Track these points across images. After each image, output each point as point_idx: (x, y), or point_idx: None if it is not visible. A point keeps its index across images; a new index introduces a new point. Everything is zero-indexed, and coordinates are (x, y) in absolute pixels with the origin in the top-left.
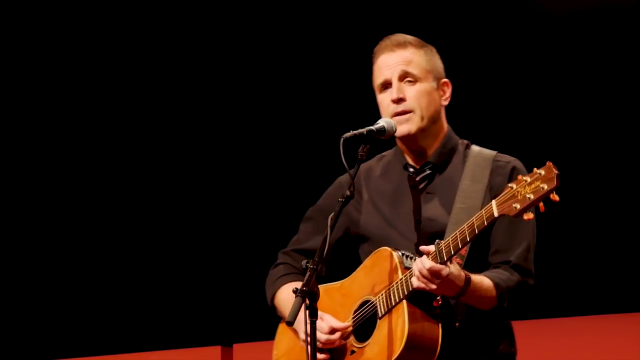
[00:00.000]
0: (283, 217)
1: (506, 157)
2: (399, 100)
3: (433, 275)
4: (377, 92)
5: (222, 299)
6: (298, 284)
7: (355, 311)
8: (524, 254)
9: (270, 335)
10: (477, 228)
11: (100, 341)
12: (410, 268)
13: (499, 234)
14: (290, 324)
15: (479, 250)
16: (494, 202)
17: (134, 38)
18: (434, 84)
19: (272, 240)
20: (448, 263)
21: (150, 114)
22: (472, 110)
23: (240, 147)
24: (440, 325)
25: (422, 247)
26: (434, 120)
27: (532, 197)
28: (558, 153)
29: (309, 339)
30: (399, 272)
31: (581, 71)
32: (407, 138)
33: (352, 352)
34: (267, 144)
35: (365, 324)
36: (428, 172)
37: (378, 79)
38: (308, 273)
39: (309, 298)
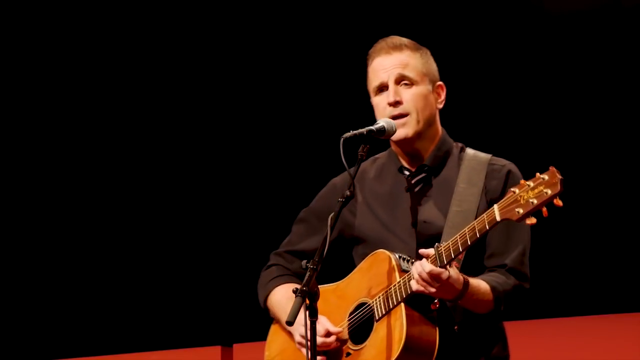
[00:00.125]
0: (283, 217)
1: (501, 161)
2: (395, 103)
3: (433, 278)
4: (372, 94)
5: (222, 299)
6: (292, 285)
7: (351, 313)
8: (519, 257)
9: None
10: (479, 232)
11: (100, 341)
12: (408, 271)
13: (495, 237)
14: (290, 324)
15: (474, 254)
16: (495, 206)
17: (134, 38)
18: (429, 87)
19: (273, 240)
20: (447, 266)
21: (148, 115)
22: (468, 112)
23: (240, 148)
24: (437, 328)
25: (422, 250)
26: (429, 123)
27: (535, 201)
28: (558, 153)
29: (309, 338)
30: (397, 274)
31: (580, 72)
32: (404, 141)
33: (348, 354)
34: (265, 144)
35: (361, 327)
36: (424, 175)
37: (374, 81)
38: (308, 273)
39: (309, 298)
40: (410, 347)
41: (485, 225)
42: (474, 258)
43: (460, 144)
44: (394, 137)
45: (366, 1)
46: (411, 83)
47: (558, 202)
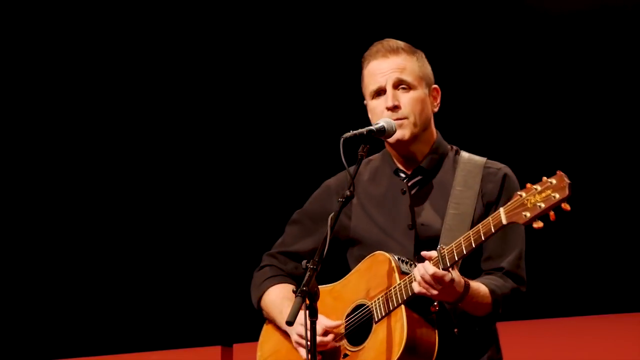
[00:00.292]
0: (283, 217)
1: (497, 164)
2: (394, 108)
3: (436, 281)
4: (368, 98)
5: (222, 299)
6: (286, 285)
7: (349, 315)
8: (516, 261)
9: None
10: (484, 235)
11: (100, 341)
12: (408, 273)
13: (491, 240)
14: (290, 324)
15: (470, 256)
16: (502, 209)
17: (134, 38)
18: (426, 91)
19: (272, 240)
20: (450, 269)
21: (147, 115)
22: (465, 115)
23: (241, 147)
24: (436, 330)
25: (424, 253)
26: (425, 126)
27: (543, 205)
28: (558, 153)
29: (309, 338)
30: (397, 276)
31: (580, 72)
32: (400, 144)
33: (345, 355)
34: (268, 142)
35: (358, 328)
36: (420, 177)
37: (371, 85)
38: (308, 273)
39: (309, 298)
40: (410, 349)
41: (491, 228)
42: (470, 260)
43: (455, 147)
44: (391, 139)
45: (363, 1)
46: (409, 87)
47: (566, 206)
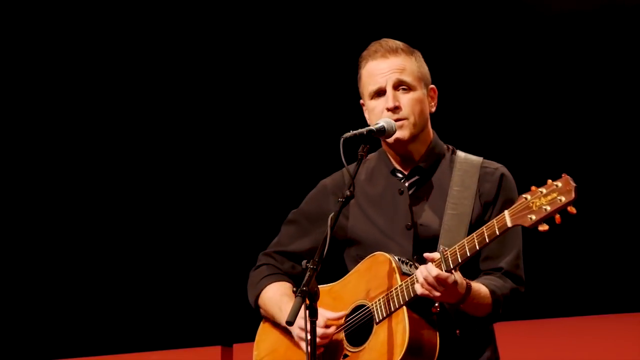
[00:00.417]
0: (282, 217)
1: (493, 164)
2: (395, 109)
3: (439, 283)
4: (367, 98)
5: (222, 299)
6: (284, 284)
7: (348, 315)
8: (514, 261)
9: None
10: (488, 237)
11: (100, 341)
12: (409, 274)
13: None
14: (290, 323)
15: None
16: (506, 212)
17: (134, 38)
18: (424, 91)
19: (272, 240)
20: (452, 271)
21: (146, 116)
22: (465, 115)
23: (240, 148)
24: (437, 332)
25: (427, 255)
26: (424, 127)
27: (548, 208)
28: (558, 154)
29: (309, 338)
30: (398, 277)
31: (579, 72)
32: (399, 144)
33: (345, 355)
34: (266, 143)
35: (358, 329)
36: (417, 177)
37: (370, 85)
38: (308, 273)
39: (309, 298)
40: (412, 351)
41: (495, 230)
42: (468, 260)
43: (450, 147)
44: (390, 139)
45: (363, 1)
46: (409, 88)
47: (572, 209)
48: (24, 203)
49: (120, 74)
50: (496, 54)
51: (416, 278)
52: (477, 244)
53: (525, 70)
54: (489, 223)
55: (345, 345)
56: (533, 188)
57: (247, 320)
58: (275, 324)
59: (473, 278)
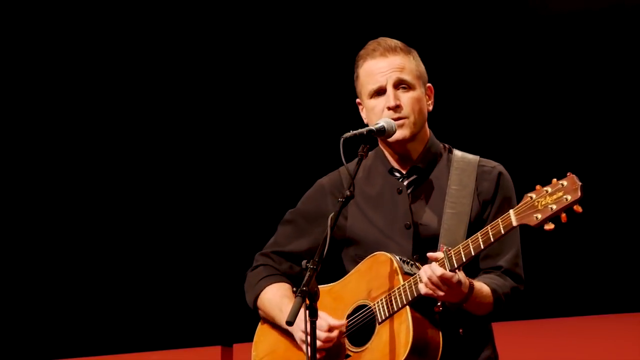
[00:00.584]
0: (281, 217)
1: (490, 162)
2: (396, 108)
3: (443, 282)
4: (365, 97)
5: (222, 299)
6: (283, 285)
7: (350, 315)
8: (514, 259)
9: None
10: (493, 236)
11: (100, 341)
12: (411, 274)
13: None
14: (290, 324)
15: None
16: (512, 211)
17: (133, 38)
18: (423, 90)
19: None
20: (456, 270)
21: (145, 116)
22: (465, 114)
23: (240, 148)
24: (440, 331)
25: (430, 254)
26: (422, 125)
27: (554, 207)
28: (558, 154)
29: (309, 339)
30: (400, 277)
31: (579, 72)
32: (399, 143)
33: (347, 356)
34: (265, 143)
35: (360, 329)
36: (415, 176)
37: (370, 84)
38: (308, 273)
39: (309, 298)
40: (416, 350)
41: (501, 230)
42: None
43: (447, 145)
44: (391, 138)
45: (362, 0)
46: (409, 87)
47: (578, 208)
48: (24, 203)
49: (120, 74)
50: (496, 53)
51: (419, 277)
52: (481, 243)
53: (525, 70)
54: (493, 222)
55: (347, 346)
56: (538, 187)
57: (247, 320)
58: (275, 325)
59: (472, 276)
